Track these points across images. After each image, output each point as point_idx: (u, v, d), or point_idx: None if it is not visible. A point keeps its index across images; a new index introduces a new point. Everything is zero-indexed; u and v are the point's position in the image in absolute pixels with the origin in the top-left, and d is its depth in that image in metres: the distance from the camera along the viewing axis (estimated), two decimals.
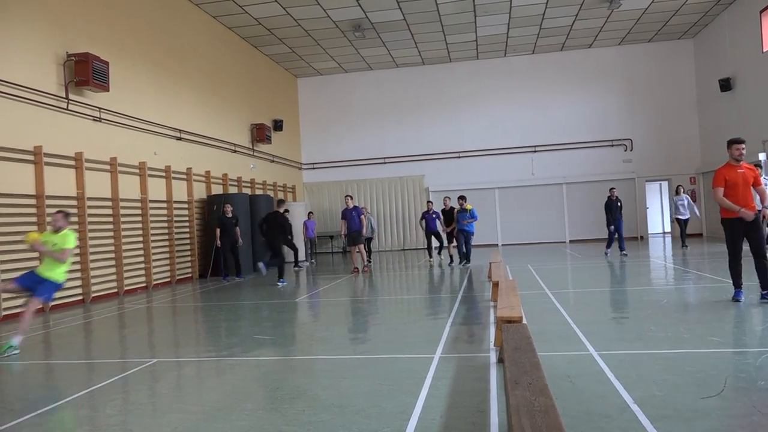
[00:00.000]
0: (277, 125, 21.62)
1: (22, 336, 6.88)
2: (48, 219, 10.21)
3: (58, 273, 7.12)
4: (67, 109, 11.09)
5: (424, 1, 17.00)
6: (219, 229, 14.18)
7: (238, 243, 14.36)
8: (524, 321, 5.48)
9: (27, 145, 10.11)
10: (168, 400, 4.77)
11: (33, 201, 10.18)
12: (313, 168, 24.71)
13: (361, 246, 14.80)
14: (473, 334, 6.60)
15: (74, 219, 11.04)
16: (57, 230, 7.22)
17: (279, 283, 12.59)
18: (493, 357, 5.34)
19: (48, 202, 10.35)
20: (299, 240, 18.32)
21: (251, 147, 19.53)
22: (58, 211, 7.37)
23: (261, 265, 12.59)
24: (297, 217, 18.48)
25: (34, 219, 10.15)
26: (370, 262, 17.20)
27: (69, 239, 7.16)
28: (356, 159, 24.27)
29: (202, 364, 5.92)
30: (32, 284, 7.02)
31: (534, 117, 23.48)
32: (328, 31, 19.08)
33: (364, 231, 14.88)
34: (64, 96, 11.03)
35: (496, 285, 8.41)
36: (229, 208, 14.31)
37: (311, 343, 6.81)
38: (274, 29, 18.56)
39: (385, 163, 24.15)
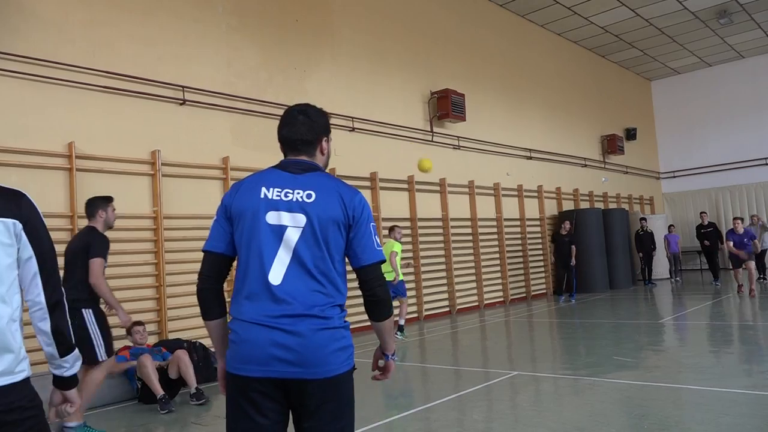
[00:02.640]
0: (630, 134, 20.39)
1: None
2: (421, 239, 11.65)
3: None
4: (432, 141, 12.51)
5: None
6: (552, 245, 14.52)
7: (571, 262, 13.57)
8: None
9: (402, 175, 11.74)
10: (529, 414, 4.90)
11: (408, 223, 11.73)
12: (674, 177, 22.45)
13: (751, 264, 12.05)
14: None
15: (439, 238, 12.34)
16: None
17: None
18: None
19: (420, 223, 11.79)
20: (661, 255, 16.88)
21: (602, 160, 18.86)
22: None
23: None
24: (657, 230, 17.03)
25: (409, 238, 11.68)
26: (764, 278, 14.73)
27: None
28: (727, 163, 21.14)
29: (560, 381, 5.92)
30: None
31: None
32: (686, 25, 17.28)
33: (759, 244, 12.66)
34: (429, 130, 12.49)
35: None
36: (566, 226, 13.92)
37: (679, 370, 6.16)
38: (623, 34, 17.68)
39: (766, 164, 20.48)
